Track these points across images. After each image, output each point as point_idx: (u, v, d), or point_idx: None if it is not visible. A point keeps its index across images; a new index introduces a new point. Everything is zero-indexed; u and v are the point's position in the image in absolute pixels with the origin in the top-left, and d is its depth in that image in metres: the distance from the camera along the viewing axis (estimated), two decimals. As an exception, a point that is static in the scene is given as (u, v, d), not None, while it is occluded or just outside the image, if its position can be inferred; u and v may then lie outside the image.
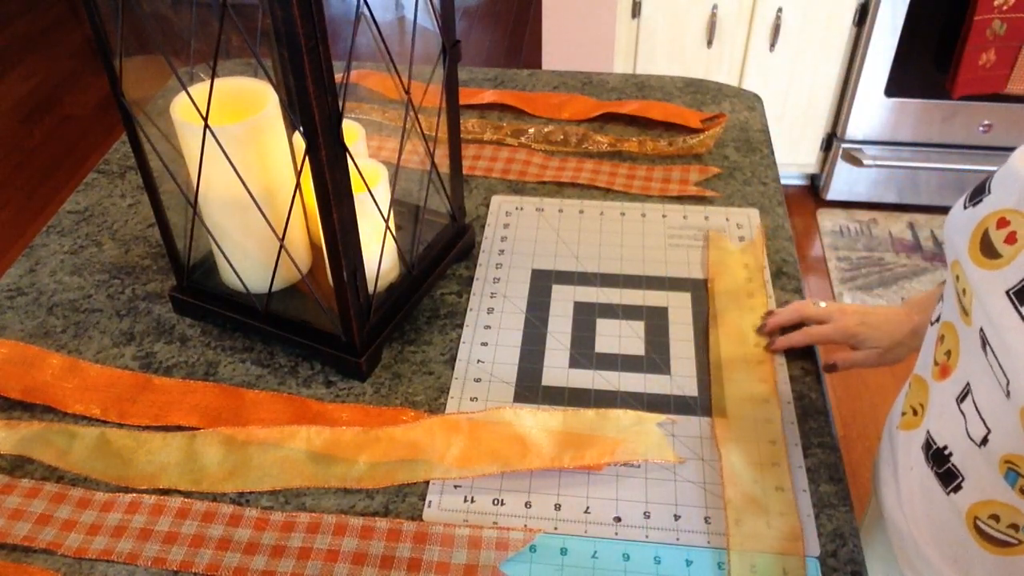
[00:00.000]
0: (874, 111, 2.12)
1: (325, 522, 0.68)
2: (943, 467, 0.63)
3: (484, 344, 0.83)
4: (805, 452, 0.73)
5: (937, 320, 0.68)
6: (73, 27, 3.29)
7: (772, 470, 0.71)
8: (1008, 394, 0.55)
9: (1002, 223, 0.58)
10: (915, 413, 0.68)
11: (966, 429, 0.61)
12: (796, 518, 0.67)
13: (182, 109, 0.72)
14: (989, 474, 0.58)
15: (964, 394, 0.61)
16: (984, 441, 0.59)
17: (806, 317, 0.82)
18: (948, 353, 0.65)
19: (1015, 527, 0.58)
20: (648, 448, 0.72)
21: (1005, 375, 0.54)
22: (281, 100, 0.74)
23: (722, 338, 0.83)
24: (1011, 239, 0.56)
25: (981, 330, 0.57)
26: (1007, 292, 0.54)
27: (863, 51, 2.02)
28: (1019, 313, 0.53)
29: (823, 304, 0.83)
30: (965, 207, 0.63)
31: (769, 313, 0.84)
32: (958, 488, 0.62)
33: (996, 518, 0.59)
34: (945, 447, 0.63)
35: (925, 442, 0.65)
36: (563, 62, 2.09)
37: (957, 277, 0.62)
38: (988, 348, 0.56)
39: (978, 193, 0.62)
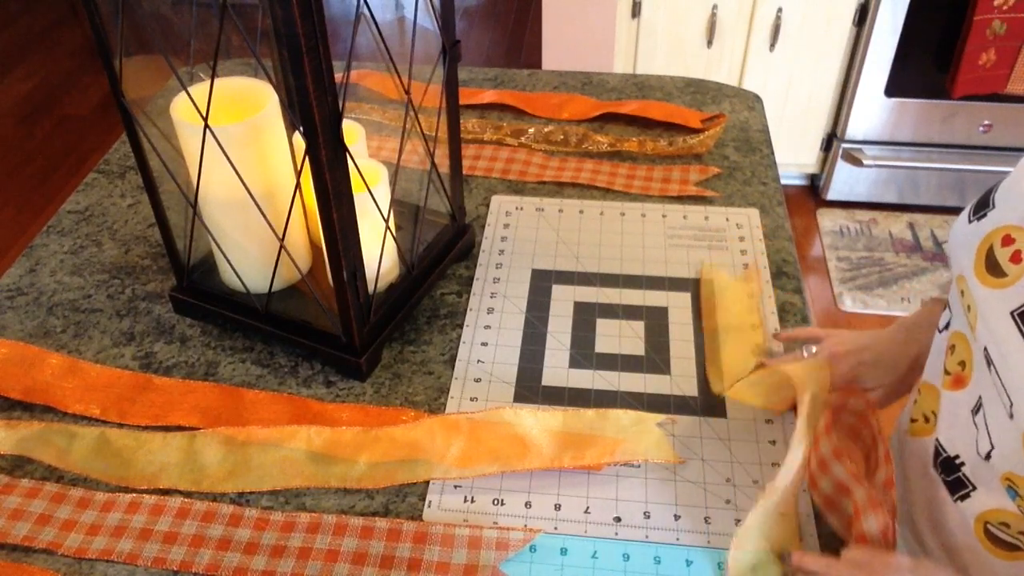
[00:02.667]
0: (874, 111, 2.11)
1: (325, 522, 0.68)
2: (952, 476, 0.63)
3: (484, 344, 0.83)
4: (805, 452, 0.72)
5: (946, 327, 0.67)
6: (73, 27, 3.29)
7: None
8: (1011, 415, 0.54)
9: (1007, 240, 0.57)
10: (927, 420, 0.68)
11: (976, 441, 0.60)
12: (795, 519, 0.67)
13: (182, 109, 0.72)
14: (997, 487, 0.58)
15: (977, 407, 0.61)
16: (988, 456, 0.59)
17: None
18: (963, 364, 0.64)
19: None
20: (648, 448, 0.72)
21: (1008, 396, 0.54)
22: (281, 100, 0.74)
23: (725, 377, 0.80)
24: (1016, 258, 0.55)
25: (985, 349, 0.57)
26: (1011, 313, 0.53)
27: (863, 51, 2.01)
28: (1023, 335, 0.52)
29: (814, 349, 0.79)
30: (970, 220, 0.61)
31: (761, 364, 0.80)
32: (966, 496, 0.61)
33: (1007, 525, 0.58)
34: (956, 456, 0.63)
35: (935, 450, 0.65)
36: (563, 62, 2.09)
37: (962, 292, 0.61)
38: (992, 367, 0.56)
39: (983, 206, 0.61)
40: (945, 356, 0.67)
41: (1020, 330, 0.52)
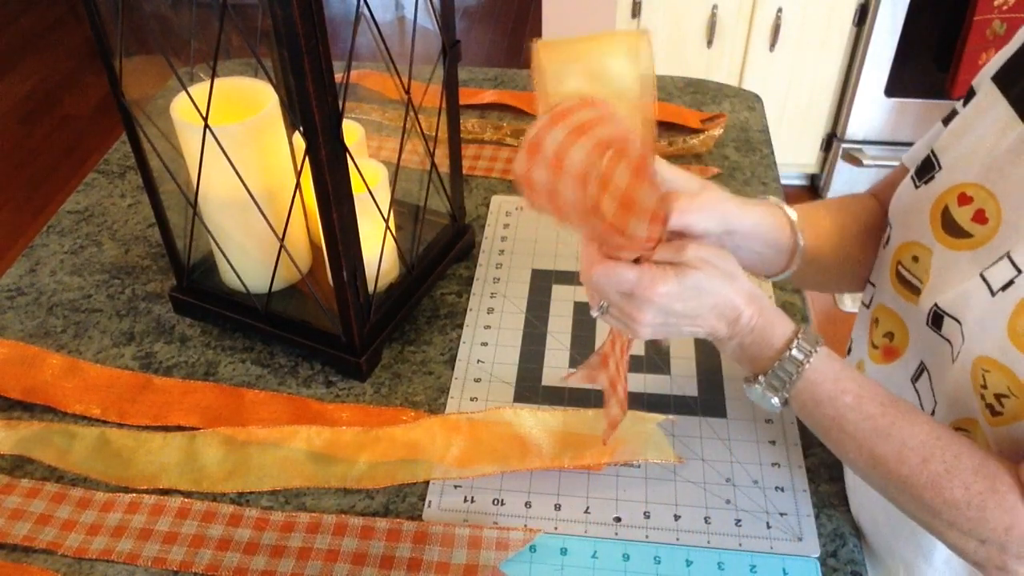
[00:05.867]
0: (874, 111, 2.12)
1: (325, 522, 0.68)
2: None
3: (484, 344, 0.83)
4: (805, 452, 0.73)
5: (869, 303, 0.69)
6: (73, 27, 3.29)
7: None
8: (957, 354, 0.56)
9: (964, 199, 0.58)
10: None
11: (920, 406, 0.62)
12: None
13: (182, 109, 0.72)
14: None
15: (918, 373, 0.62)
16: (932, 415, 0.60)
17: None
18: (890, 335, 0.65)
19: None
20: (648, 448, 0.72)
21: (963, 337, 0.55)
22: (281, 100, 0.74)
23: None
24: (980, 217, 0.56)
25: (936, 305, 0.58)
26: (980, 273, 0.55)
27: (863, 51, 2.02)
28: (989, 289, 0.54)
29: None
30: (916, 185, 0.62)
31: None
32: None
33: None
34: None
35: None
36: (563, 62, 2.09)
37: (916, 258, 0.62)
38: (947, 320, 0.57)
39: (928, 169, 0.62)
40: (870, 330, 0.68)
41: (987, 284, 0.54)
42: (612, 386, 0.64)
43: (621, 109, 0.52)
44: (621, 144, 0.50)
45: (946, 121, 0.63)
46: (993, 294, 0.53)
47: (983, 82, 0.59)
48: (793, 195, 2.38)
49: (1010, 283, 0.52)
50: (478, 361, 0.81)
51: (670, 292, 0.54)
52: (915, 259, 0.62)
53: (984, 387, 0.54)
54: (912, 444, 0.54)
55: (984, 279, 0.54)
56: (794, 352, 0.56)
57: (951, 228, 0.58)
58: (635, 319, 0.56)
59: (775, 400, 0.58)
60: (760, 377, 0.58)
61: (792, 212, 0.66)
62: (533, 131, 0.51)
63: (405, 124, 0.74)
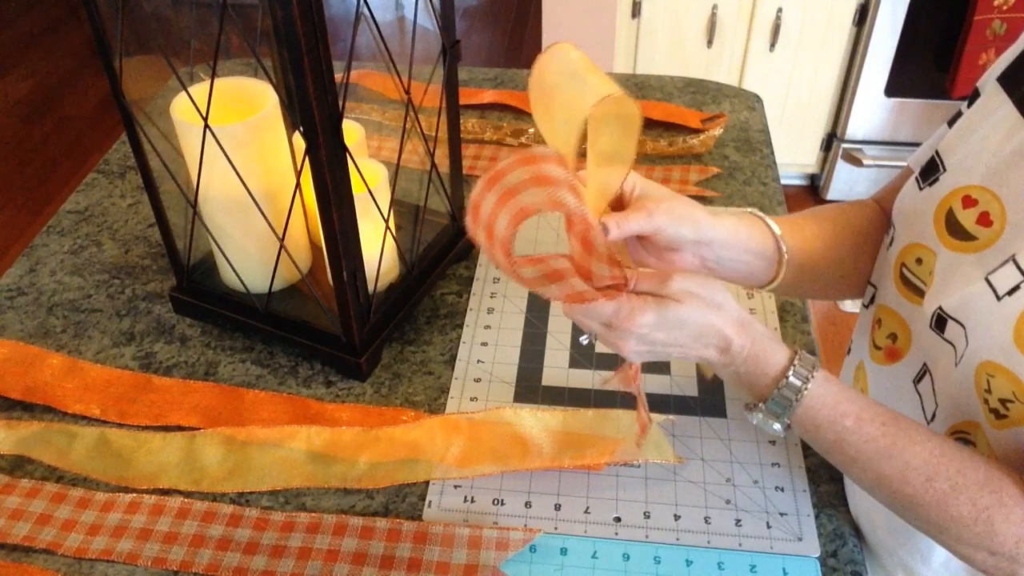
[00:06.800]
0: (874, 111, 2.11)
1: (325, 522, 0.68)
2: None
3: (484, 344, 0.83)
4: (805, 452, 0.73)
5: (871, 302, 0.69)
6: (73, 27, 3.29)
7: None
8: (961, 358, 0.56)
9: (969, 202, 0.57)
10: None
11: (921, 408, 0.62)
12: None
13: (182, 109, 0.72)
14: None
15: (921, 375, 0.62)
16: (932, 418, 0.61)
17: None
18: (893, 336, 0.65)
19: None
20: (648, 448, 0.72)
21: (966, 341, 0.55)
22: (281, 100, 0.74)
23: None
24: (985, 220, 0.56)
25: (940, 308, 0.58)
26: (986, 277, 0.54)
27: (863, 51, 2.02)
28: (995, 293, 0.53)
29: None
30: (921, 187, 0.62)
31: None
32: None
33: None
34: None
35: None
36: (563, 62, 2.09)
37: (919, 260, 0.62)
38: (951, 323, 0.57)
39: (932, 171, 0.61)
40: (872, 331, 0.68)
41: (993, 289, 0.54)
42: (640, 392, 0.65)
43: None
44: (547, 206, 0.51)
45: (951, 122, 0.63)
46: (999, 299, 0.53)
47: (988, 83, 0.59)
48: (793, 195, 2.38)
49: (1016, 288, 0.52)
50: (478, 361, 0.81)
51: (649, 323, 0.55)
52: (919, 261, 0.62)
53: (988, 391, 0.54)
54: (915, 464, 0.54)
55: (989, 283, 0.54)
56: (791, 379, 0.57)
57: (955, 231, 0.58)
58: (619, 348, 0.58)
59: (777, 426, 0.59)
60: (760, 404, 0.59)
61: (774, 223, 0.66)
62: (474, 192, 0.52)
63: (405, 124, 0.74)
